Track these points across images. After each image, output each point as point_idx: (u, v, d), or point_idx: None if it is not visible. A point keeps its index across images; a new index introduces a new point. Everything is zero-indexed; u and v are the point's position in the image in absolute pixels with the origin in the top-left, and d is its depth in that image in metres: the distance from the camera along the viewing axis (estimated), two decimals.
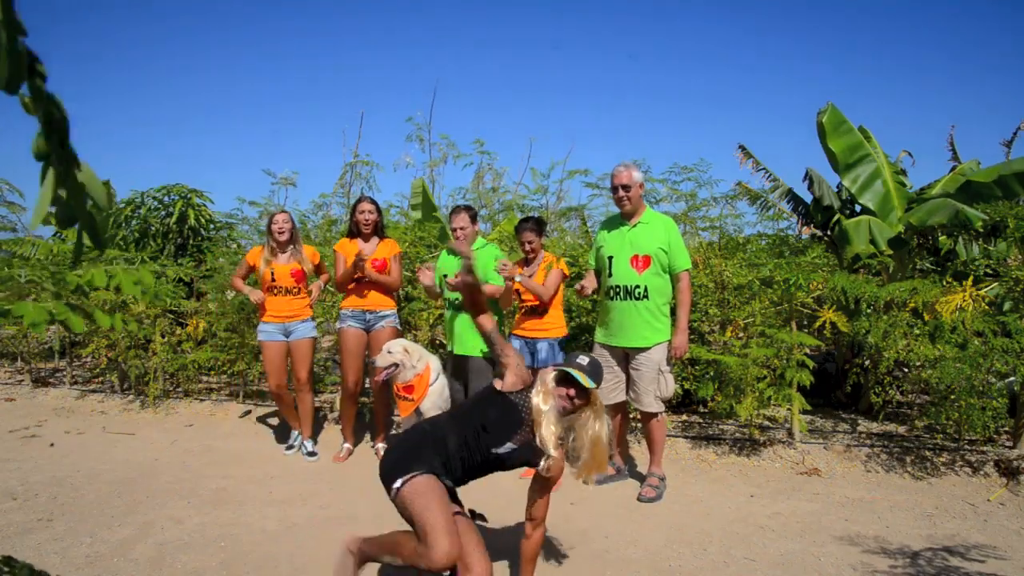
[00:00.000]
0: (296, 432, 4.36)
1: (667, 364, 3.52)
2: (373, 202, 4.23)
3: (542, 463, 2.26)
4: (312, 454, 4.26)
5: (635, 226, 3.55)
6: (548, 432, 2.22)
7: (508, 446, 2.27)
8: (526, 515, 2.38)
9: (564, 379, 2.26)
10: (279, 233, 4.17)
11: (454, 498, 2.33)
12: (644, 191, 3.61)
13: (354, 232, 4.21)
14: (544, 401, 2.25)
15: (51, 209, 0.69)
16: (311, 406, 4.36)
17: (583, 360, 2.28)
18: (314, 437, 4.38)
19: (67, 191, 0.69)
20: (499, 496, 3.17)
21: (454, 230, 3.89)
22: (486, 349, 3.86)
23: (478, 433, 2.27)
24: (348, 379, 4.17)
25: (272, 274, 4.14)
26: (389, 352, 3.75)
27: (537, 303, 3.78)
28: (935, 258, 5.58)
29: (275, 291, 4.17)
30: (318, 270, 4.42)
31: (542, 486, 2.33)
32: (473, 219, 3.92)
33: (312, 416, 4.39)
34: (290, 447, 4.32)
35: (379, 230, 4.25)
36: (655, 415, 3.55)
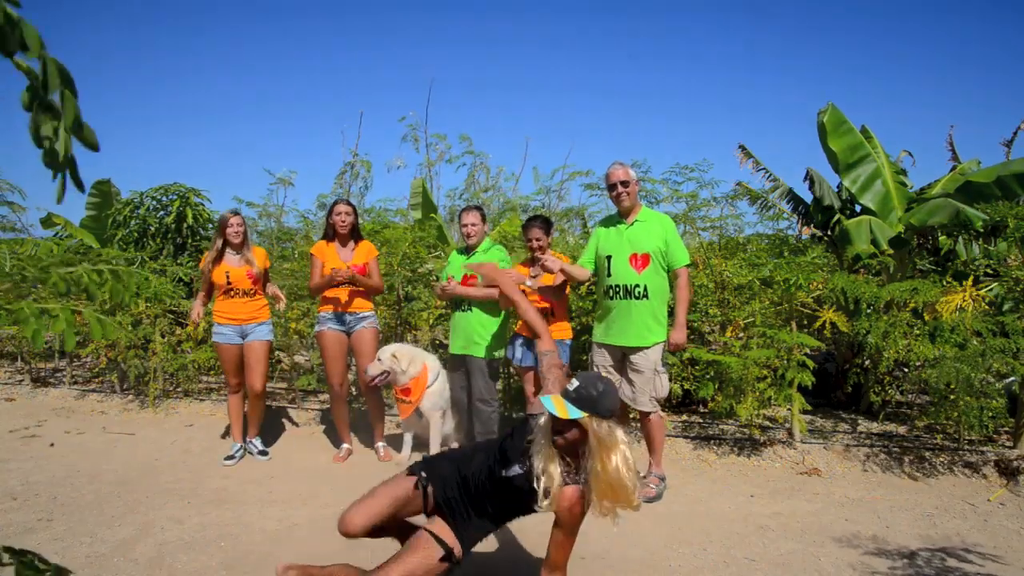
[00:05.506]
0: (238, 443, 4.21)
1: (663, 364, 3.54)
2: (350, 204, 4.20)
3: (540, 499, 2.03)
4: (263, 452, 4.21)
5: (632, 224, 3.56)
6: (537, 463, 2.06)
7: (515, 469, 2.15)
8: (545, 559, 2.14)
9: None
10: (234, 235, 4.09)
11: (438, 511, 2.23)
12: (639, 189, 3.62)
13: (330, 235, 4.16)
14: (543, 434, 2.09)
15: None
16: (262, 411, 4.29)
17: (572, 384, 2.03)
18: (262, 435, 4.32)
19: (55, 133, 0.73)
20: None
21: (464, 226, 3.98)
22: (487, 349, 3.87)
23: (496, 456, 2.22)
24: (333, 382, 4.15)
25: (228, 276, 4.07)
26: (379, 360, 3.85)
27: (544, 305, 3.78)
28: (935, 258, 5.58)
29: (232, 293, 4.09)
30: (265, 276, 4.29)
31: (559, 526, 2.08)
32: (483, 219, 4.03)
33: (262, 418, 4.31)
34: (230, 457, 4.12)
35: (356, 233, 4.20)
36: (651, 414, 3.56)
